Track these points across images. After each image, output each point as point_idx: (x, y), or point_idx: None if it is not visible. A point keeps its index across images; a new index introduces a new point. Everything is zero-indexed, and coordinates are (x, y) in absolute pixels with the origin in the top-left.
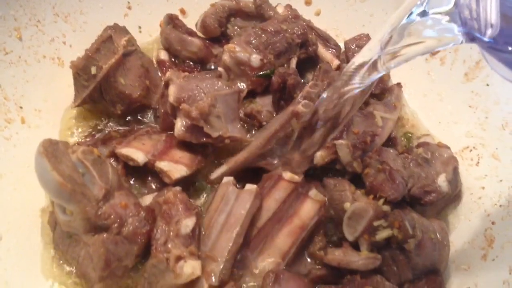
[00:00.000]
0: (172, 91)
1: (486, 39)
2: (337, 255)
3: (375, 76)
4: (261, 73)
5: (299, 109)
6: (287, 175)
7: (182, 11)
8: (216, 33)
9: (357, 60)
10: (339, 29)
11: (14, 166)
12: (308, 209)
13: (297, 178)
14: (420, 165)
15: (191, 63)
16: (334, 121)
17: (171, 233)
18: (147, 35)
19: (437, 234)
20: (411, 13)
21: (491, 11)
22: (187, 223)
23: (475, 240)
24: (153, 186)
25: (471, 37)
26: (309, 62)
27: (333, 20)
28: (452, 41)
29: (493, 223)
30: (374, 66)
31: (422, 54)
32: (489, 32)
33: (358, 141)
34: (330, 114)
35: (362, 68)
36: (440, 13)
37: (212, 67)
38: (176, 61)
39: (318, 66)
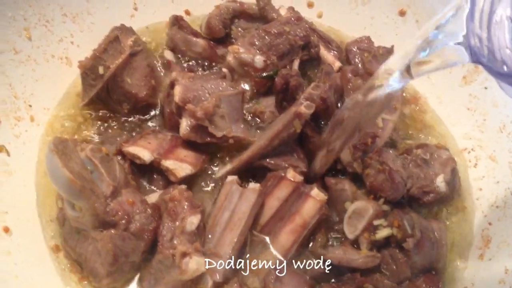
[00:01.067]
0: (177, 92)
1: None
2: (338, 253)
3: (406, 81)
4: (265, 74)
5: (301, 110)
6: (290, 174)
7: (187, 12)
8: (221, 34)
9: (388, 65)
10: (340, 31)
11: (24, 163)
12: (309, 208)
13: (299, 177)
14: (419, 165)
15: (196, 62)
16: (359, 124)
17: (177, 230)
18: (153, 35)
19: (435, 234)
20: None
21: (505, 37)
22: (192, 220)
23: (473, 240)
24: (159, 184)
25: (477, 61)
26: (311, 63)
27: (334, 23)
28: (459, 61)
29: (489, 223)
30: (405, 72)
31: (440, 69)
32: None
33: (359, 142)
34: (357, 117)
35: (393, 73)
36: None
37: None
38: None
39: (320, 68)
